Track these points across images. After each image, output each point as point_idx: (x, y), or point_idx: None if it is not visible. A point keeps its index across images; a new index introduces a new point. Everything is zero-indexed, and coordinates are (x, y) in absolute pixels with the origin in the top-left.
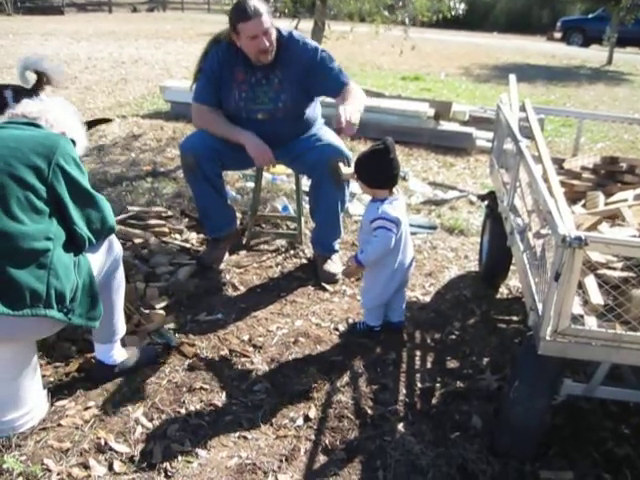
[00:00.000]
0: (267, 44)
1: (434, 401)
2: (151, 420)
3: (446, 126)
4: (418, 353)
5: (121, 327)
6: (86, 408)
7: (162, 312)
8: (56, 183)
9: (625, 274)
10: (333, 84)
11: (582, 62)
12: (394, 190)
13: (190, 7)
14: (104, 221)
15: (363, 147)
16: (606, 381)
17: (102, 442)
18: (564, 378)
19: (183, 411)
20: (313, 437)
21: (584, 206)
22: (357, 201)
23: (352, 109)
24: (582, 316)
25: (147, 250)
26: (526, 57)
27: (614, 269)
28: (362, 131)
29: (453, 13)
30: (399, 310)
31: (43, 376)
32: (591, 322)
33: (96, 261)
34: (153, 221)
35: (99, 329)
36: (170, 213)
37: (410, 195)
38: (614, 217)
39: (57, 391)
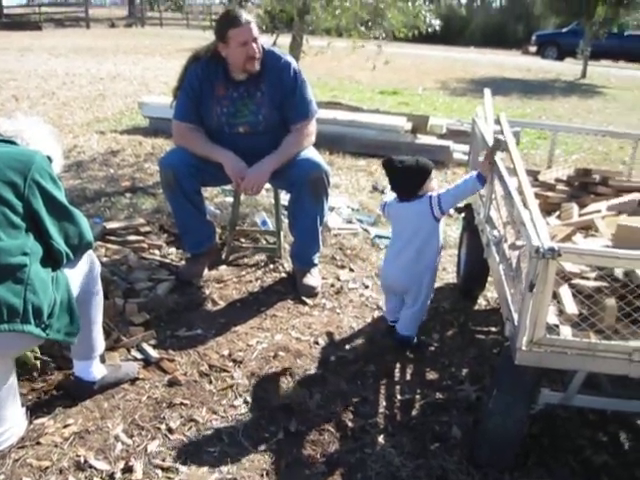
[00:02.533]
0: (256, 51)
1: (414, 413)
2: (131, 436)
3: (423, 139)
4: (398, 365)
5: (100, 343)
6: (65, 426)
7: (141, 328)
8: (32, 198)
9: (598, 284)
10: (295, 115)
11: (557, 75)
12: None
13: (169, 23)
14: (82, 236)
15: (342, 161)
16: (583, 390)
17: (82, 460)
18: (541, 387)
19: (163, 427)
20: (294, 451)
21: (559, 217)
22: (336, 215)
23: (260, 172)
24: (557, 326)
25: (126, 266)
26: (502, 71)
27: (588, 279)
28: (341, 145)
29: (429, 29)
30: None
31: (21, 394)
32: (566, 332)
33: (74, 277)
34: (132, 237)
35: (78, 346)
36: (149, 229)
37: None
38: (588, 228)
39: (36, 409)
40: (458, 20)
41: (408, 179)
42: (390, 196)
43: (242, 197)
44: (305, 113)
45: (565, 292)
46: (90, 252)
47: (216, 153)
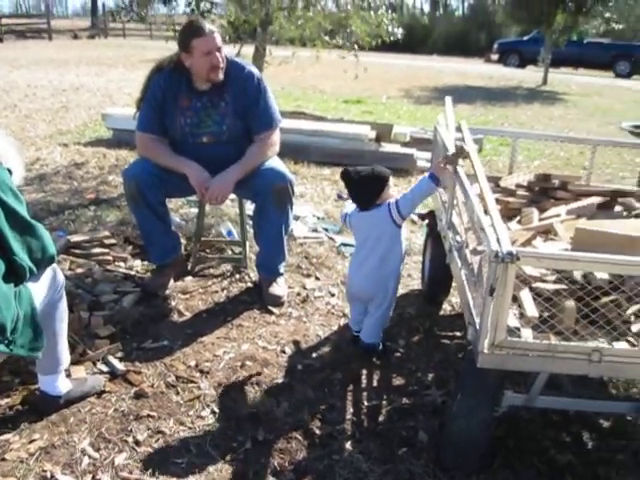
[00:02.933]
0: (220, 60)
1: (381, 418)
2: (98, 450)
3: (387, 148)
4: (364, 372)
5: (65, 357)
6: (31, 441)
7: (107, 341)
8: None
9: (557, 286)
10: (259, 125)
11: (519, 83)
12: None
13: (132, 34)
14: (45, 250)
15: (306, 170)
16: (545, 391)
17: (48, 475)
18: (505, 390)
19: (130, 440)
20: (262, 460)
21: (519, 222)
22: (301, 223)
23: (224, 182)
24: (518, 329)
25: (91, 279)
26: (465, 79)
27: (547, 282)
28: (305, 154)
29: (392, 38)
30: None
31: None
32: (527, 334)
33: (38, 291)
34: (97, 249)
35: (43, 360)
36: (114, 241)
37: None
38: (548, 232)
39: (0, 425)
40: (421, 29)
41: (366, 189)
42: (350, 207)
43: (207, 208)
44: (269, 123)
45: (525, 295)
46: (54, 265)
47: (180, 164)
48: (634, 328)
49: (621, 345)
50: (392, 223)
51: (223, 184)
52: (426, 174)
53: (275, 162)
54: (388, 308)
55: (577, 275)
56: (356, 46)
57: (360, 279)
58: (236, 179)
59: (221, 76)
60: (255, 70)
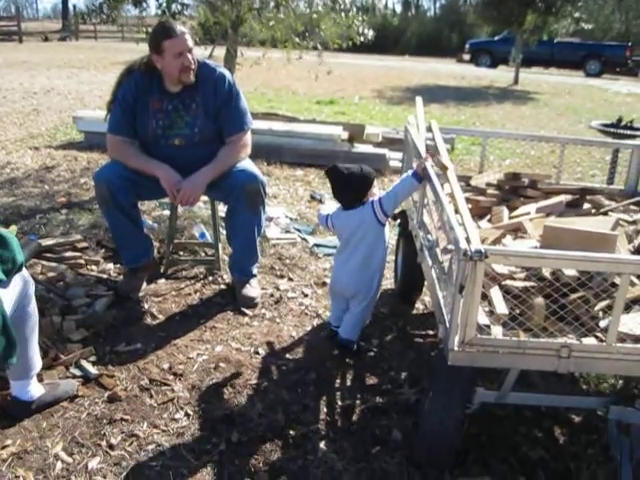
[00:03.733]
0: (191, 61)
1: (355, 417)
2: (71, 455)
3: (360, 148)
4: (338, 372)
5: (37, 362)
6: (3, 447)
7: (80, 345)
8: None
9: (526, 284)
10: (230, 128)
11: (490, 82)
12: None
13: (103, 36)
14: (15, 260)
15: (279, 171)
16: (516, 387)
17: None
18: (476, 387)
19: (104, 444)
20: (236, 461)
21: (490, 221)
22: (274, 225)
23: (196, 184)
24: (488, 326)
25: (63, 283)
26: (437, 79)
27: (516, 279)
28: (278, 155)
29: (362, 39)
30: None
31: None
32: (497, 331)
33: (8, 297)
34: (69, 253)
35: (13, 366)
36: (86, 244)
37: None
38: (517, 230)
39: None
40: (393, 29)
41: (353, 187)
42: (329, 208)
43: (179, 210)
44: (240, 125)
45: (495, 293)
46: (24, 271)
47: (151, 166)
48: (602, 324)
49: (589, 341)
50: (376, 221)
51: (194, 186)
52: (409, 172)
53: (246, 163)
54: (369, 305)
55: (546, 272)
56: (321, 47)
57: (345, 276)
58: (207, 181)
59: (192, 78)
60: (227, 72)
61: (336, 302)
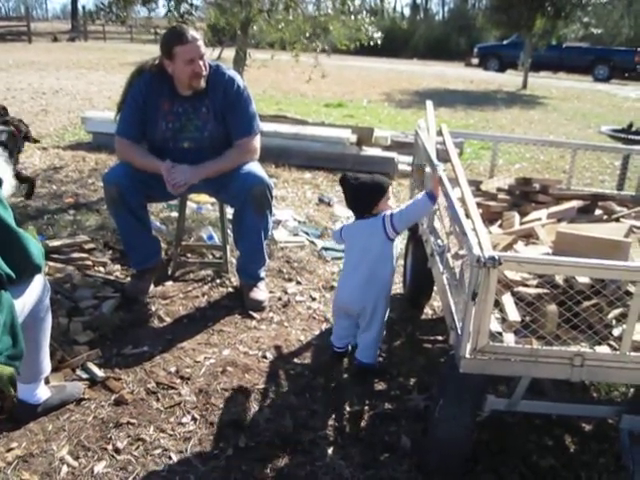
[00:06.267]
0: (202, 68)
1: (363, 424)
2: (77, 458)
3: (369, 151)
4: (346, 377)
5: (46, 366)
6: (9, 450)
7: (86, 347)
8: None
9: (539, 291)
10: (238, 131)
11: (499, 87)
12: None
13: (112, 37)
14: (29, 259)
15: (287, 174)
16: (528, 395)
17: None
18: (487, 394)
19: (110, 447)
20: (244, 467)
21: (501, 226)
22: (282, 228)
23: (190, 171)
24: (500, 333)
25: (70, 284)
26: (445, 83)
27: (529, 286)
28: (286, 158)
29: (371, 42)
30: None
31: None
32: (509, 339)
33: (27, 302)
34: (76, 254)
35: (23, 369)
36: (93, 245)
37: (335, 221)
38: (529, 236)
39: None
40: (402, 33)
41: (361, 196)
42: (347, 222)
43: (187, 212)
44: (248, 130)
45: (507, 300)
46: (40, 275)
47: (155, 164)
48: (615, 332)
49: (603, 349)
50: (385, 236)
51: (188, 171)
52: (424, 192)
53: (253, 166)
54: (382, 323)
55: (559, 279)
56: (329, 49)
57: (348, 290)
58: (205, 175)
59: (203, 84)
60: (237, 76)
61: (340, 320)
